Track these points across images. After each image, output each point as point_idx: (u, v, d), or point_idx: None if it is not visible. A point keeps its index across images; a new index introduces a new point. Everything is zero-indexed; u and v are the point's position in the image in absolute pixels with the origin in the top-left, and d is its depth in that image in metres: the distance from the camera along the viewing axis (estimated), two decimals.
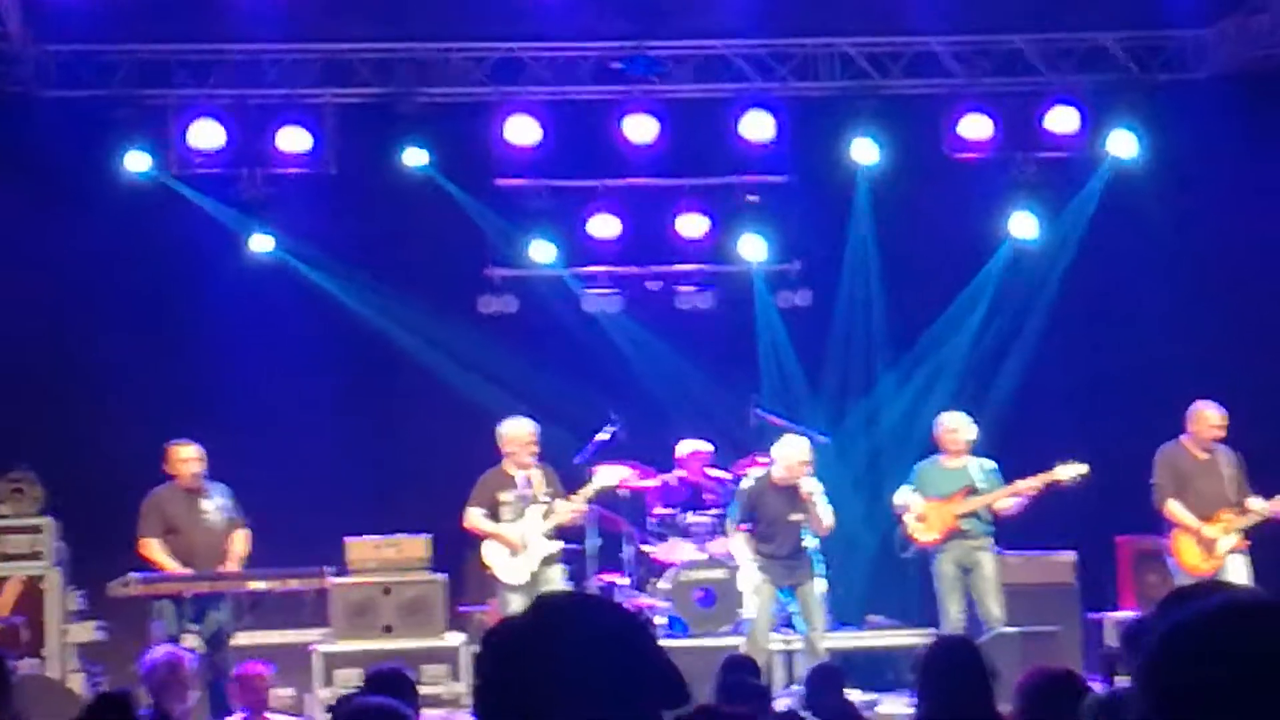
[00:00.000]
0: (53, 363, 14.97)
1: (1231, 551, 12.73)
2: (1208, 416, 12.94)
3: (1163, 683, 2.22)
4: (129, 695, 7.07)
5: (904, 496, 13.21)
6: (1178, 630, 2.24)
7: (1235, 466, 12.90)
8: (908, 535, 13.16)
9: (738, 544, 13.17)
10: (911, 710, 6.89)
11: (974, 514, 13.01)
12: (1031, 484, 12.96)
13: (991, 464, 13.21)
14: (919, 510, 13.06)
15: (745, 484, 13.31)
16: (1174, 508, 12.79)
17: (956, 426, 13.18)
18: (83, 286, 14.92)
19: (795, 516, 12.73)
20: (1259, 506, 12.76)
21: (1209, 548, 12.70)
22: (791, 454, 12.87)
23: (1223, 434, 12.93)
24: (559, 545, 13.11)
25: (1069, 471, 12.87)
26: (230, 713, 11.59)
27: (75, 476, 13.79)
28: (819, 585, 12.81)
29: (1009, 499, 13.03)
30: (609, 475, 13.55)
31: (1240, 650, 2.18)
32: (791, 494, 12.78)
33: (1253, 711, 2.14)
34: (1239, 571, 12.67)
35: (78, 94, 14.75)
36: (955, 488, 13.04)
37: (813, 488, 12.78)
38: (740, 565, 13.23)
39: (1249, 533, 12.86)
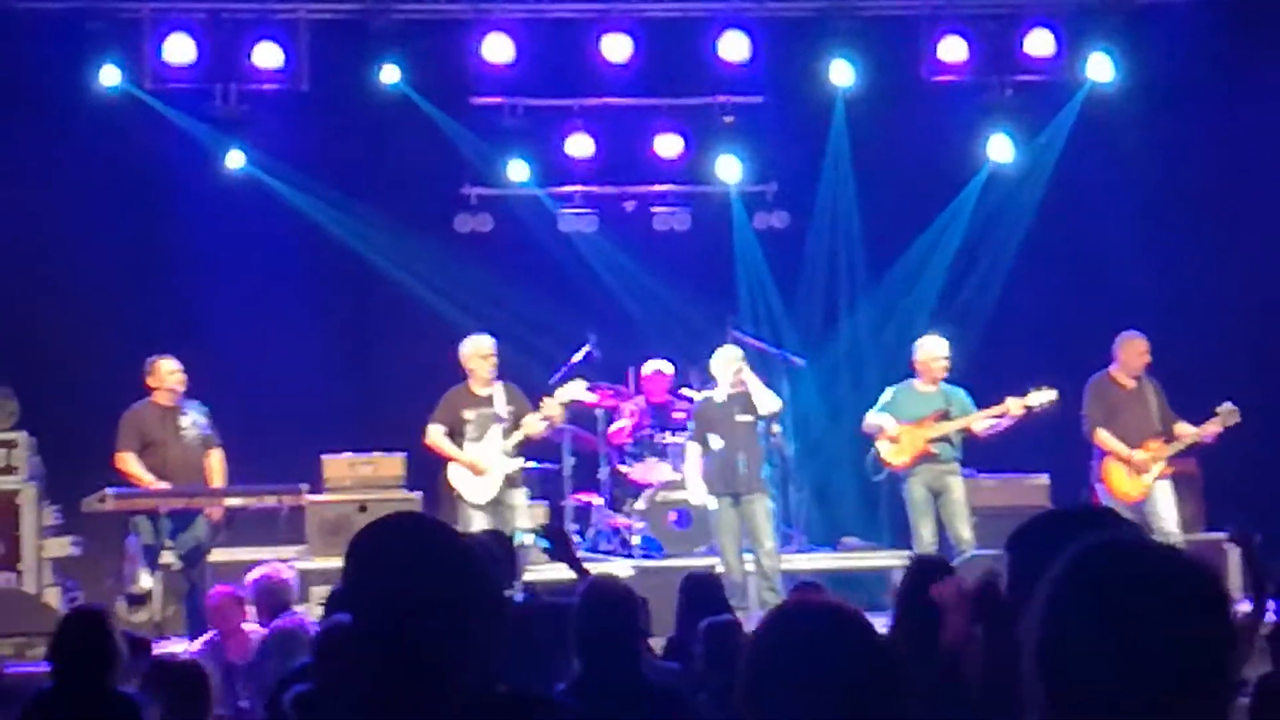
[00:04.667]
0: (26, 278, 14.86)
1: (1158, 478, 12.93)
2: (1136, 346, 13.11)
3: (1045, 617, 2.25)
4: (103, 611, 7.05)
5: (876, 419, 13.24)
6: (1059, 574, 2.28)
7: (1158, 395, 13.07)
8: (879, 458, 13.21)
9: (690, 453, 13.26)
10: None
11: (945, 439, 13.07)
12: (1002, 410, 13.02)
13: (962, 391, 13.26)
14: (893, 433, 13.10)
15: (697, 399, 13.40)
16: (1104, 436, 12.98)
17: (939, 353, 13.21)
18: (56, 201, 14.80)
19: (742, 418, 12.79)
20: (1187, 431, 12.93)
21: (1138, 474, 12.89)
22: (723, 361, 12.97)
23: (1148, 362, 13.07)
24: (519, 464, 13.03)
25: (1040, 398, 12.95)
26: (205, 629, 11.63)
27: (50, 392, 13.74)
28: (764, 503, 12.82)
29: (984, 421, 13.10)
30: (574, 388, 13.46)
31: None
32: (736, 399, 12.83)
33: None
34: (1166, 497, 12.94)
35: (50, 6, 14.59)
36: (928, 411, 13.09)
37: (746, 375, 12.85)
38: (688, 478, 13.29)
39: (1188, 453, 13.15)
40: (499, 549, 6.32)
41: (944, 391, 13.18)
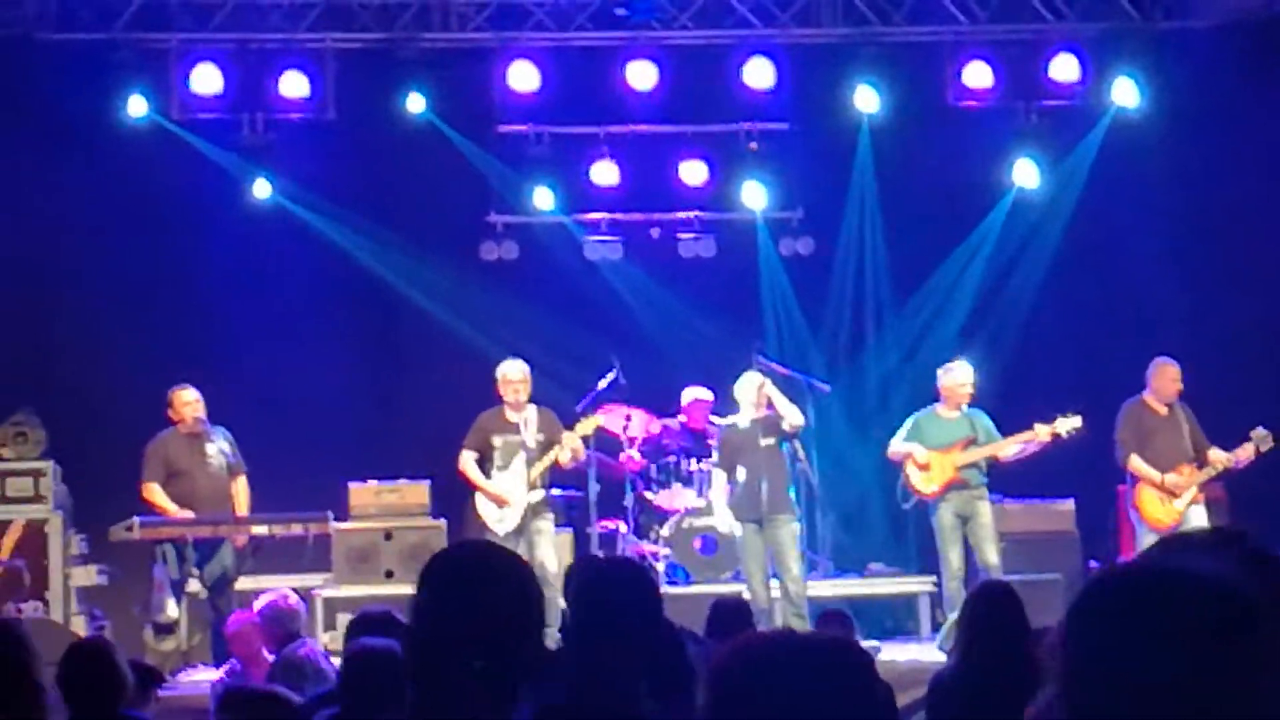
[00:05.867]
0: (54, 307, 14.96)
1: (1192, 503, 12.91)
2: (1170, 373, 13.09)
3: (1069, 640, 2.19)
4: (103, 640, 7.07)
5: (903, 446, 13.20)
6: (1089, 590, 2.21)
7: (1190, 421, 13.04)
8: (909, 486, 13.17)
9: (716, 481, 13.21)
10: (944, 657, 6.96)
11: (974, 464, 13.04)
12: (1030, 436, 12.99)
13: (984, 414, 13.22)
14: (923, 460, 13.06)
15: (722, 426, 13.39)
16: (1137, 463, 12.96)
17: (965, 380, 13.19)
18: (84, 231, 14.87)
19: (766, 442, 12.73)
20: (1219, 458, 12.90)
21: (1171, 499, 12.85)
22: (747, 387, 12.96)
23: (1181, 389, 13.03)
24: (540, 494, 12.95)
25: (1067, 425, 12.92)
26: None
27: (77, 421, 13.79)
28: (790, 528, 12.76)
29: (1011, 447, 13.07)
30: (591, 422, 13.38)
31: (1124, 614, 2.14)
32: (761, 424, 12.79)
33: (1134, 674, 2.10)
34: (1200, 522, 12.87)
35: (78, 37, 14.70)
36: (955, 438, 13.05)
37: (769, 390, 12.83)
38: (715, 504, 13.23)
39: (1218, 478, 13.11)
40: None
41: (968, 416, 13.15)
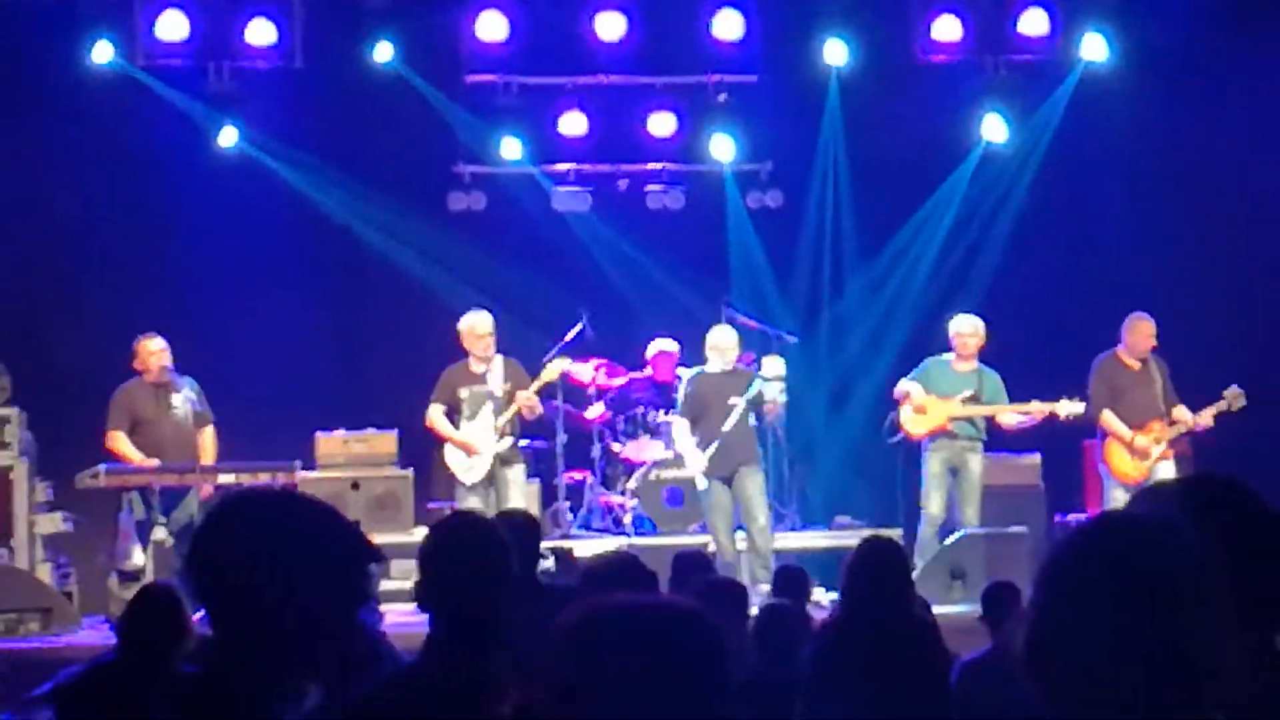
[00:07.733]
0: (18, 254, 14.85)
1: (1160, 459, 12.95)
2: (1144, 328, 13.10)
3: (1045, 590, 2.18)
4: (172, 588, 7.02)
5: (905, 385, 13.22)
6: (1065, 541, 2.21)
7: (1164, 376, 13.07)
8: (897, 423, 13.20)
9: (679, 429, 13.13)
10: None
11: (968, 419, 13.07)
12: (1029, 409, 13.04)
13: (997, 375, 13.23)
14: (919, 401, 13.08)
15: (686, 376, 13.36)
16: (1108, 418, 13.00)
17: (975, 331, 13.22)
18: (47, 178, 14.75)
19: (733, 400, 12.71)
20: (1184, 417, 12.96)
21: (1140, 456, 12.91)
22: (721, 339, 12.96)
23: (1155, 344, 13.07)
24: (509, 442, 12.95)
25: (1067, 408, 12.97)
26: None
27: (43, 368, 13.71)
28: (756, 477, 12.77)
29: (1012, 416, 13.11)
30: (550, 371, 13.37)
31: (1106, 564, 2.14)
32: (729, 378, 12.78)
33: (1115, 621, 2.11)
34: (1168, 477, 12.88)
35: None
36: (958, 390, 13.08)
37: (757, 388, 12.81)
38: (683, 452, 13.18)
39: (1187, 434, 13.15)
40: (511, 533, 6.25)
41: (979, 372, 13.17)
